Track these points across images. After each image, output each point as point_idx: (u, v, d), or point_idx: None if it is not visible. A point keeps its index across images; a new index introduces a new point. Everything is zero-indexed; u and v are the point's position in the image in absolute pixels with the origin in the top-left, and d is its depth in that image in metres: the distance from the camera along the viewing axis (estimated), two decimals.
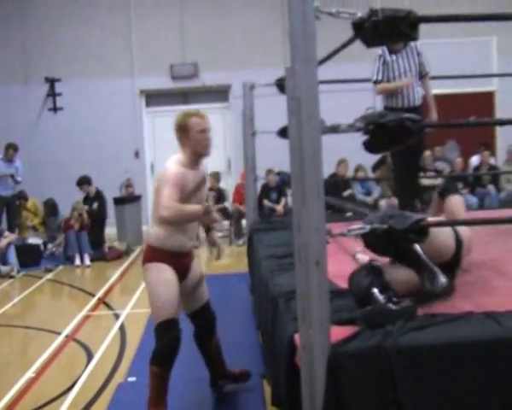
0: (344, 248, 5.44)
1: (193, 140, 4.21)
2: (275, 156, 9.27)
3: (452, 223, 4.31)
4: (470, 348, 2.98)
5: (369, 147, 3.21)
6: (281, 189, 12.34)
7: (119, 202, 12.68)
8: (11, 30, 14.30)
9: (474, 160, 13.14)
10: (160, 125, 14.67)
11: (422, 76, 6.48)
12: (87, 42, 14.31)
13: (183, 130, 4.25)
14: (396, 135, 3.13)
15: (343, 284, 4.20)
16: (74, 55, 14.24)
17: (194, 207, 4.14)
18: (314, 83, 2.83)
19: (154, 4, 14.28)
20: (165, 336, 4.15)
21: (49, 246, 11.94)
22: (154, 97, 14.80)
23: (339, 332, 3.04)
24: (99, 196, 12.27)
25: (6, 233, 10.97)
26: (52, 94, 14.47)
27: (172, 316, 4.18)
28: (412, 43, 6.30)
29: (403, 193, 6.67)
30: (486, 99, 14.52)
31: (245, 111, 7.80)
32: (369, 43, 3.23)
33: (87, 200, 12.14)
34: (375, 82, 6.45)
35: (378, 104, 7.05)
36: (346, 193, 12.01)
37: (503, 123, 7.30)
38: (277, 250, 5.70)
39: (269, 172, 12.10)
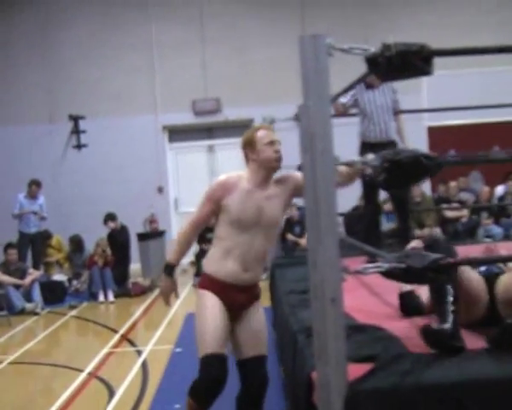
0: (364, 283, 5.41)
1: (261, 153, 3.92)
2: None
3: (474, 261, 4.21)
4: (493, 385, 2.93)
5: (385, 185, 3.19)
6: (304, 223, 12.26)
7: (142, 237, 12.71)
8: (36, 70, 14.56)
9: (500, 189, 13.02)
10: (184, 160, 14.78)
11: (396, 113, 6.66)
12: (110, 80, 14.52)
13: (249, 144, 3.96)
14: (412, 172, 3.10)
15: (362, 318, 4.17)
16: (98, 93, 14.47)
17: (170, 257, 4.04)
18: (327, 118, 2.82)
19: (175, 42, 14.47)
20: (206, 372, 3.77)
21: (74, 282, 11.98)
22: (177, 133, 14.89)
23: (357, 370, 3.00)
24: (123, 231, 12.32)
25: (30, 270, 11.06)
26: (76, 131, 14.65)
27: (216, 351, 3.78)
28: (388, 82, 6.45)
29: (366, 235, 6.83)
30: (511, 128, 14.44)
31: None
32: (384, 77, 3.23)
33: (112, 236, 12.20)
34: (342, 104, 6.62)
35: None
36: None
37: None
38: (298, 285, 5.66)
39: (291, 206, 12.05)
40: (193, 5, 14.54)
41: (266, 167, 3.96)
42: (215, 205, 3.90)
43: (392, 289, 4.46)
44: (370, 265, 3.13)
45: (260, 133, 3.96)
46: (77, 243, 12.53)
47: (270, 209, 3.96)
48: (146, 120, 14.50)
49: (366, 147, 6.38)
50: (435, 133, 14.39)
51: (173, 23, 14.55)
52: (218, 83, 14.32)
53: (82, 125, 14.60)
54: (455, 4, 14.49)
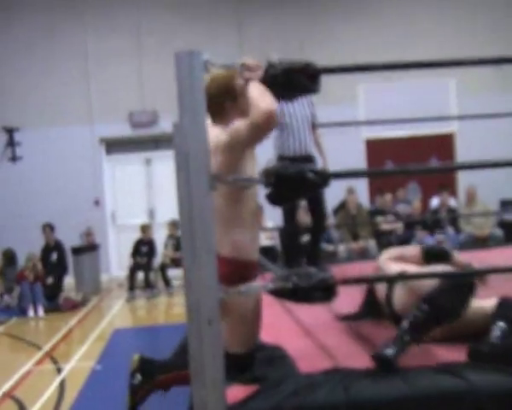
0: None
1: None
2: None
3: (377, 279, 4.20)
4: (378, 407, 2.91)
5: (272, 199, 3.14)
6: None
7: (77, 251, 12.52)
8: None
9: (435, 201, 13.15)
10: (121, 172, 14.57)
11: (314, 126, 6.58)
12: (45, 90, 14.20)
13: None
14: (298, 187, 3.07)
15: (267, 337, 4.11)
16: (33, 104, 14.14)
17: None
18: (203, 137, 2.77)
19: (112, 52, 14.22)
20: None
21: (6, 297, 11.74)
22: (114, 145, 14.65)
23: (242, 392, 2.95)
24: (58, 247, 12.13)
25: None
26: (11, 144, 14.29)
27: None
28: None
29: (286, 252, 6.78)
30: (446, 141, 14.64)
31: None
32: (274, 94, 3.17)
33: (46, 251, 12.01)
34: None
35: None
36: (305, 239, 11.89)
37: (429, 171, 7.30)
38: None
39: None
40: (130, 15, 14.34)
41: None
42: None
43: (305, 306, 4.41)
44: (255, 284, 3.09)
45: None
46: (9, 257, 12.33)
47: None
48: (82, 131, 14.22)
49: (284, 161, 6.26)
50: (373, 145, 14.47)
51: (109, 32, 14.30)
52: (155, 94, 14.11)
53: (17, 136, 14.28)
54: (392, 12, 14.52)
